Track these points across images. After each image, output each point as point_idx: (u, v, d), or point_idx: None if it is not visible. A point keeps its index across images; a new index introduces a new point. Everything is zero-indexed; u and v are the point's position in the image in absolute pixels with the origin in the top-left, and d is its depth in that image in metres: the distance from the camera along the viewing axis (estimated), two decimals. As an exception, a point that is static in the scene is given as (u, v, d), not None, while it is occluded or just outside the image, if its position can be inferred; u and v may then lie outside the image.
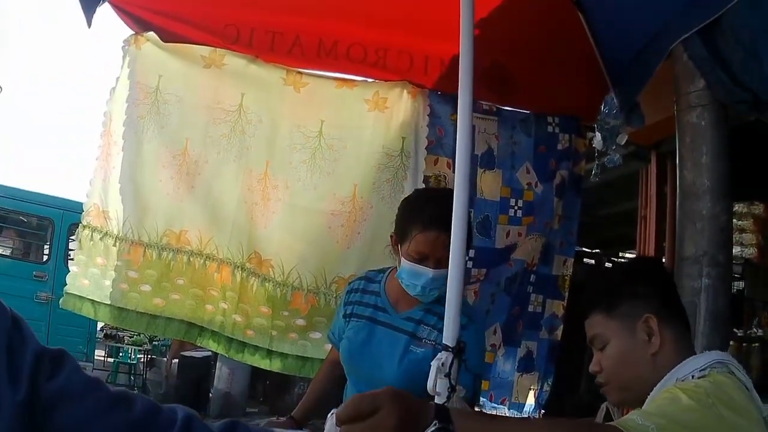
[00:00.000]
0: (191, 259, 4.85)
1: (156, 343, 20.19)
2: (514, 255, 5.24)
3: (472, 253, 4.92)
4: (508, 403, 5.45)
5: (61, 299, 4.98)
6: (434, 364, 2.63)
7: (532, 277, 5.38)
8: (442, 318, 3.28)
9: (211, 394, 15.53)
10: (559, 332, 5.58)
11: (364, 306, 3.77)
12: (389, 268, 3.80)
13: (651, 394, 2.32)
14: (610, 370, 2.51)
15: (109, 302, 4.90)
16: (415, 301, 3.63)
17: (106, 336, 19.36)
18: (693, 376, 2.27)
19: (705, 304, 4.15)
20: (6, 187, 15.26)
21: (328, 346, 4.19)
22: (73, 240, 12.63)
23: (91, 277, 4.90)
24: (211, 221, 4.88)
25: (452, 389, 2.61)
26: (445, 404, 2.42)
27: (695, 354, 2.42)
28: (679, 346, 2.42)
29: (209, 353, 12.91)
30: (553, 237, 5.40)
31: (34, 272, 14.84)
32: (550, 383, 5.63)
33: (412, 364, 3.49)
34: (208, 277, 4.86)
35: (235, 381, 15.97)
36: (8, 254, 15.35)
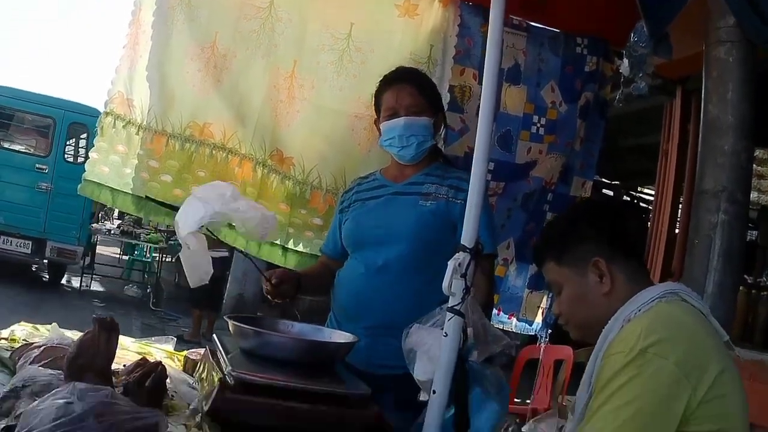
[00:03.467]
0: (214, 152, 4.83)
1: (172, 242, 20.24)
2: (533, 172, 5.25)
3: (491, 165, 4.93)
4: (516, 318, 5.50)
5: (78, 186, 4.94)
6: (451, 264, 2.67)
7: (550, 196, 5.37)
8: (444, 177, 3.61)
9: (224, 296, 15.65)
10: None
11: (363, 192, 3.96)
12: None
13: (603, 332, 2.45)
14: (567, 312, 2.65)
15: (128, 191, 4.89)
16: (412, 171, 3.82)
17: (122, 233, 19.60)
18: (640, 310, 2.39)
19: (720, 240, 4.20)
20: (13, 88, 17.09)
21: None
22: (72, 139, 17.01)
23: (111, 164, 4.89)
24: (235, 116, 4.85)
25: (467, 290, 2.68)
26: (461, 305, 2.61)
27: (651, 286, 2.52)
28: (631, 285, 2.52)
29: (226, 253, 13.08)
30: (574, 158, 5.38)
31: (36, 164, 16.63)
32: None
33: (424, 216, 3.63)
34: (230, 171, 4.83)
35: (248, 283, 16.35)
36: (14, 148, 17.06)
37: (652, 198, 14.29)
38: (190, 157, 4.82)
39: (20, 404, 2.64)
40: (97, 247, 18.66)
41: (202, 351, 4.29)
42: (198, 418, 2.95)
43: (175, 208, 4.17)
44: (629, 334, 2.32)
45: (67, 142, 17.22)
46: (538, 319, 5.62)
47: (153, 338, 4.56)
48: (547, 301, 5.55)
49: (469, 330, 2.80)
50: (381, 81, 4.04)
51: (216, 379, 2.67)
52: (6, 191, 16.11)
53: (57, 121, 16.84)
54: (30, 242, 16.23)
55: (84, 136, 16.98)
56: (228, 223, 4.39)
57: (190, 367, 4.00)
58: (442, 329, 2.76)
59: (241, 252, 4.56)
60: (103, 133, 4.87)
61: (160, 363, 2.91)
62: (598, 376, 2.34)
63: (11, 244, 16.20)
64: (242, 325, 2.97)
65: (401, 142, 3.78)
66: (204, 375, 3.02)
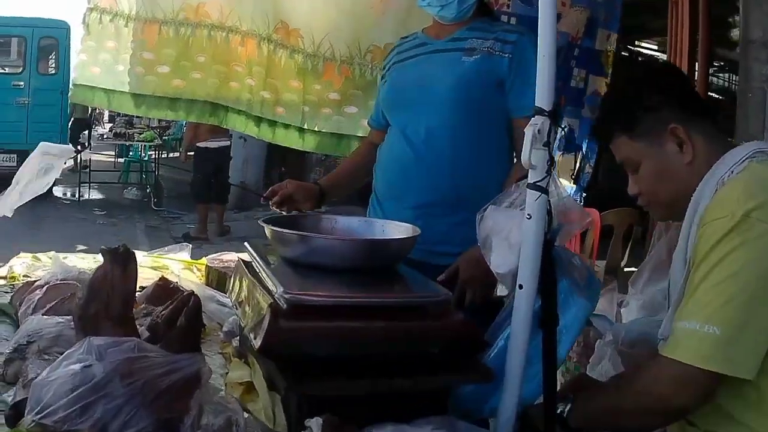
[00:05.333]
0: (212, 33, 4.47)
1: (166, 137, 20.85)
2: (559, 26, 4.88)
3: (513, 20, 4.78)
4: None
5: (69, 93, 4.70)
6: (528, 131, 2.24)
7: (576, 51, 5.24)
8: (489, 31, 3.30)
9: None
10: None
11: (402, 52, 3.52)
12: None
13: (692, 198, 2.25)
14: (649, 190, 2.43)
15: (123, 89, 4.54)
16: (455, 27, 3.37)
17: (115, 135, 19.62)
18: (732, 172, 2.19)
19: (775, 90, 4.00)
20: None
21: (365, 122, 3.99)
22: (43, 53, 17.98)
23: (102, 63, 4.52)
24: None
25: (551, 162, 2.26)
26: (545, 180, 2.22)
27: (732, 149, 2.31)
28: (714, 146, 2.31)
29: (227, 143, 13.00)
30: (597, 10, 5.21)
31: (12, 82, 17.65)
32: (592, 164, 5.59)
33: (466, 73, 3.23)
34: (232, 52, 4.51)
35: (249, 172, 16.04)
36: None
37: (654, 52, 14.05)
38: (187, 42, 4.48)
39: (28, 367, 2.24)
40: (92, 154, 18.29)
41: (225, 257, 4.00)
42: (234, 342, 2.73)
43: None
44: (726, 197, 2.12)
45: (39, 57, 18.00)
46: (570, 183, 5.53)
47: (166, 248, 4.37)
48: (577, 163, 5.52)
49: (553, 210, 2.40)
50: None
51: (264, 305, 2.14)
52: None
53: (27, 39, 17.63)
54: (15, 155, 16.64)
55: (54, 48, 17.99)
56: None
57: (214, 278, 3.78)
58: (522, 210, 2.33)
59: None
60: (90, 31, 4.50)
61: (192, 294, 2.41)
62: (696, 248, 2.13)
63: None
64: (285, 230, 2.49)
65: (440, 0, 3.31)
66: (244, 297, 2.51)
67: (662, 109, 2.33)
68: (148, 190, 18.56)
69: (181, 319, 2.28)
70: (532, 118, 2.25)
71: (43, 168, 3.72)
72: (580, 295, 2.43)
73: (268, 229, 2.50)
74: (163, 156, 20.91)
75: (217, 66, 4.51)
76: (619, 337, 3.24)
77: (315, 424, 1.86)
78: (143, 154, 20.47)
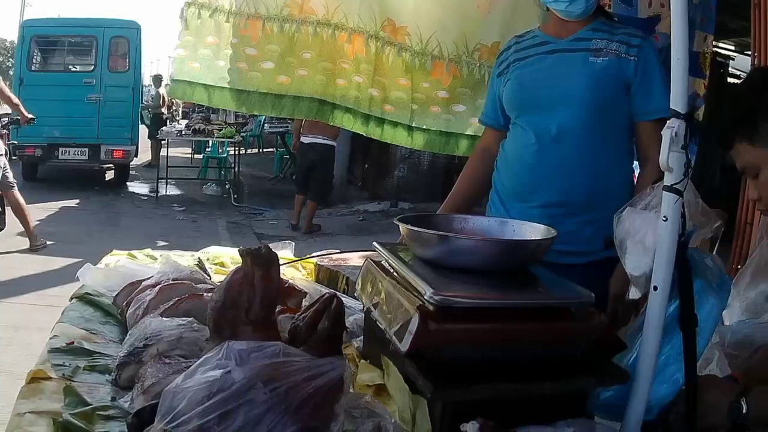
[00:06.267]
0: (318, 29, 4.44)
1: (244, 134, 21.11)
2: (659, 28, 5.01)
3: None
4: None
5: (168, 88, 4.61)
6: (666, 134, 2.22)
7: None
8: (612, 33, 3.27)
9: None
10: (700, 112, 5.51)
11: (523, 50, 3.48)
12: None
13: None
14: None
15: (225, 85, 4.53)
16: (576, 26, 3.35)
17: (193, 131, 19.66)
18: None
19: None
20: (56, 18, 20.64)
21: (473, 120, 4.05)
22: (114, 52, 18.59)
23: (201, 59, 4.52)
24: None
25: (689, 164, 2.26)
26: (682, 182, 2.23)
27: None
28: None
29: (322, 140, 13.24)
30: (693, 11, 5.15)
31: (84, 80, 18.17)
32: (692, 164, 5.29)
33: (596, 74, 3.22)
34: (338, 49, 4.48)
35: (335, 168, 15.89)
36: (63, 69, 18.92)
37: (731, 53, 13.89)
38: (292, 38, 4.46)
39: (147, 371, 2.18)
40: (169, 149, 18.43)
41: (335, 255, 3.90)
42: (356, 343, 2.75)
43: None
44: None
45: (110, 55, 18.63)
46: None
47: (270, 245, 4.18)
48: None
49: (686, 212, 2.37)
50: None
51: (411, 308, 2.10)
52: (61, 108, 17.25)
53: (98, 38, 18.28)
54: (86, 149, 17.79)
55: (125, 47, 18.62)
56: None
57: (324, 277, 3.75)
58: (658, 212, 2.33)
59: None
60: (188, 26, 4.49)
61: (333, 296, 2.30)
62: None
63: (69, 154, 17.71)
64: (425, 230, 2.44)
65: None
66: (381, 299, 2.44)
67: None
68: (227, 187, 18.60)
69: (323, 321, 2.19)
70: (668, 121, 2.23)
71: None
72: (713, 295, 2.44)
73: (404, 228, 2.45)
74: (241, 152, 20.99)
75: (324, 63, 4.48)
76: (725, 339, 3.18)
77: (472, 428, 1.83)
78: (221, 151, 20.60)
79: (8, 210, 10.47)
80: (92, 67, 18.38)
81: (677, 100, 2.22)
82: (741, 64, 14.52)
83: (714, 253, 6.75)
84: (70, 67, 19.25)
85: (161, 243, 10.84)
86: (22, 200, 10.60)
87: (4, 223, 10.57)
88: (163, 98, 22.52)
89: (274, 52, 4.44)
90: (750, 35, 6.30)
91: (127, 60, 18.33)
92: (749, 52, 8.07)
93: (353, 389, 2.31)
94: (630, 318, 2.93)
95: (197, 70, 4.52)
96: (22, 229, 10.61)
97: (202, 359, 1.86)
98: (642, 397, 2.26)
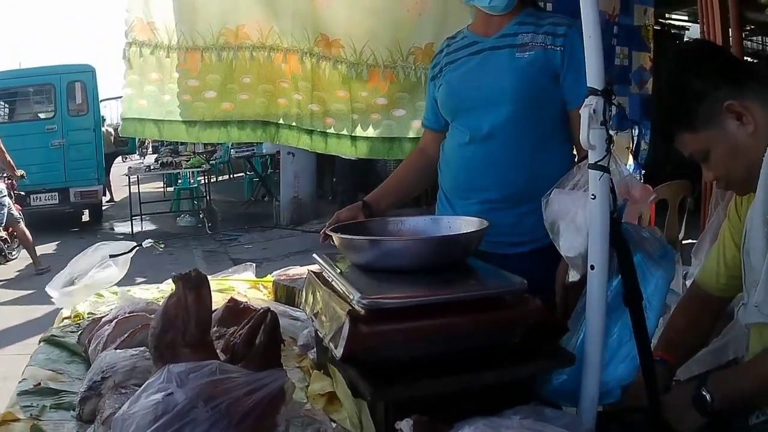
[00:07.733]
0: (254, 53, 4.49)
1: (213, 161, 21.14)
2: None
3: (549, 6, 4.85)
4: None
5: (118, 128, 4.87)
6: (584, 112, 2.26)
7: (615, 29, 5.29)
8: (538, 24, 3.27)
9: (277, 203, 16.27)
10: (649, 85, 5.58)
11: (453, 53, 3.50)
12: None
13: (764, 161, 2.26)
14: (724, 172, 2.50)
15: (172, 118, 4.59)
16: (502, 21, 3.36)
17: (162, 165, 19.68)
18: None
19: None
20: (12, 70, 20.53)
21: (415, 123, 4.15)
22: (71, 96, 19.01)
23: (148, 95, 4.58)
24: (268, 10, 4.48)
25: (610, 140, 2.31)
26: (605, 158, 2.26)
27: None
28: None
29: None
30: None
31: (46, 127, 18.81)
32: (647, 140, 5.59)
33: (522, 69, 3.23)
34: (276, 70, 4.52)
35: (301, 186, 16.37)
36: (24, 119, 19.27)
37: (684, 23, 13.96)
38: (231, 65, 4.51)
39: (105, 403, 2.24)
40: (140, 186, 18.46)
41: (290, 272, 4.03)
42: (311, 354, 2.83)
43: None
44: None
45: (68, 101, 19.12)
46: (630, 161, 5.61)
47: (230, 270, 4.41)
48: (633, 141, 5.57)
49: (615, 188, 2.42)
50: None
51: (342, 313, 2.15)
52: (28, 156, 17.26)
53: (55, 85, 18.83)
54: (56, 193, 18.40)
55: (82, 91, 19.12)
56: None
57: (282, 294, 3.78)
58: (586, 191, 2.37)
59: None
60: (132, 65, 4.54)
61: (267, 310, 2.39)
62: None
63: (41, 200, 18.23)
64: (355, 237, 2.52)
65: None
66: (319, 308, 2.50)
67: (712, 91, 2.36)
68: (201, 216, 18.76)
69: (260, 336, 2.26)
70: (586, 99, 2.26)
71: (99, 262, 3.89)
72: (657, 268, 2.46)
73: (336, 238, 2.51)
74: (212, 180, 21.18)
75: (264, 85, 4.52)
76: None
77: (406, 425, 1.86)
78: (192, 181, 20.68)
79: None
80: (53, 114, 18.93)
81: (594, 78, 2.27)
82: (696, 34, 14.57)
83: (684, 223, 6.82)
84: (32, 115, 19.59)
85: (140, 279, 10.83)
86: (27, 232, 12.96)
87: (6, 258, 12.17)
88: (114, 137, 22.57)
89: (215, 80, 4.49)
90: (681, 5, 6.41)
91: (86, 102, 18.87)
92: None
93: (307, 400, 2.39)
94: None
95: (145, 106, 4.58)
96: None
97: (144, 384, 1.92)
98: (594, 378, 2.29)
